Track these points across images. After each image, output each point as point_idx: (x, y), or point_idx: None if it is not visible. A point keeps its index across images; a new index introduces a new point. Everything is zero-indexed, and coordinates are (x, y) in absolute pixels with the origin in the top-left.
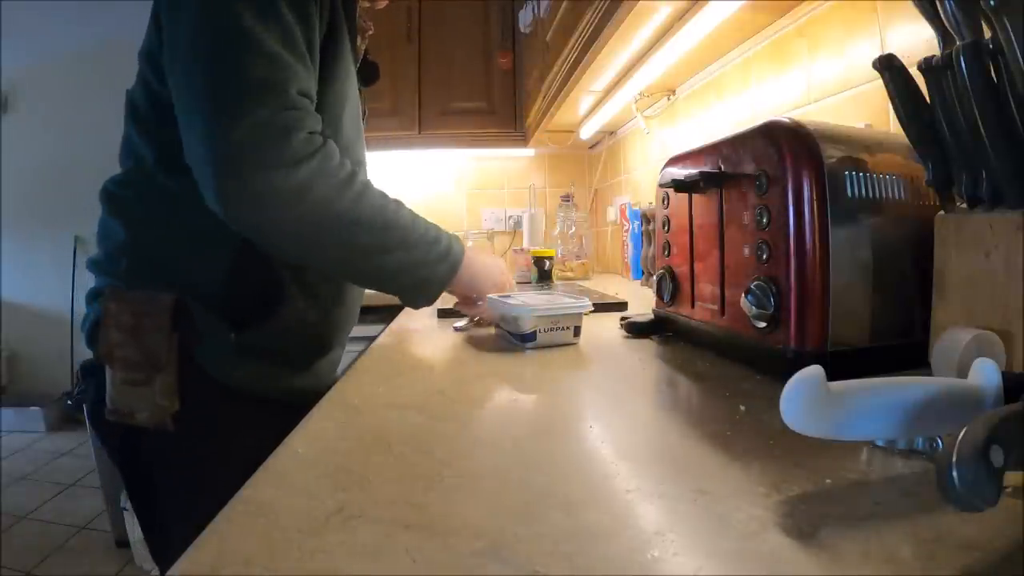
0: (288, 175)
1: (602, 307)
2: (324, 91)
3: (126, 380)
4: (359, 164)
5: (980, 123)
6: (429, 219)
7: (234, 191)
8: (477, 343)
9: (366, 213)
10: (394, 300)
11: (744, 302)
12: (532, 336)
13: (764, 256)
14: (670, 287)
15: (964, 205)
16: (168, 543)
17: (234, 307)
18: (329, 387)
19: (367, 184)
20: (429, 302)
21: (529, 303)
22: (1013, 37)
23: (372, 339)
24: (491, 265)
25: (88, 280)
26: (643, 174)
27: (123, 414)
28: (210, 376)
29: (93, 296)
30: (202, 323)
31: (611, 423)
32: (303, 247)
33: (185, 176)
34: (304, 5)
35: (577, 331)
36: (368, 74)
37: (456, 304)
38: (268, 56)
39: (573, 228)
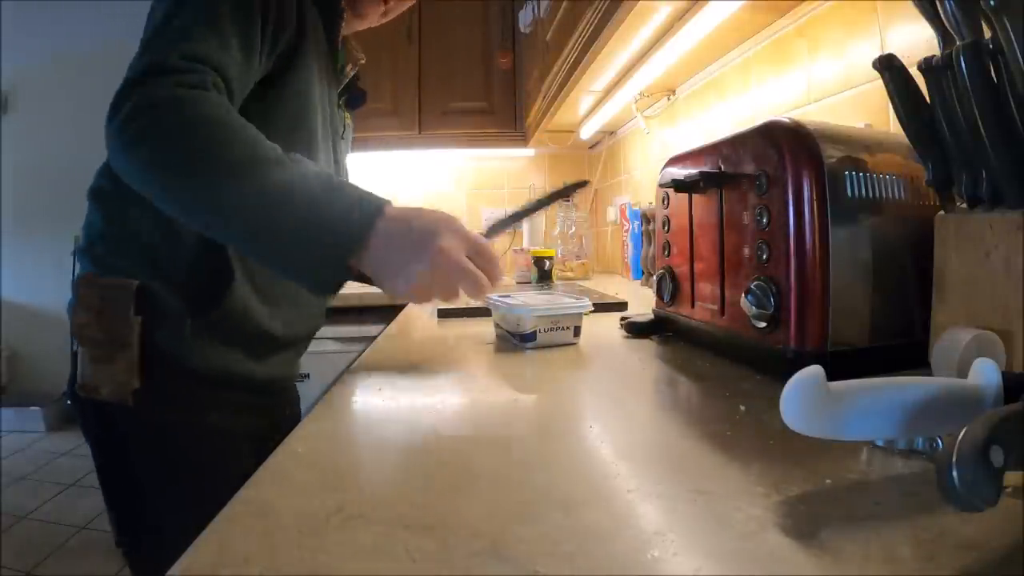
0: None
1: (602, 307)
2: (276, 97)
3: (93, 357)
4: None
5: (980, 123)
6: None
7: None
8: (477, 343)
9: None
10: (393, 300)
11: (744, 302)
12: (532, 336)
13: (764, 256)
14: (670, 287)
15: (964, 205)
16: (136, 518)
17: (190, 293)
18: (291, 378)
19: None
20: (325, 277)
21: (529, 303)
22: (1013, 37)
23: (372, 339)
24: (435, 221)
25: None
26: (643, 174)
27: (89, 388)
28: (169, 356)
29: (73, 282)
30: (163, 306)
31: (611, 423)
32: (161, 182)
33: None
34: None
35: (577, 331)
36: (354, 100)
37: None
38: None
39: (573, 228)
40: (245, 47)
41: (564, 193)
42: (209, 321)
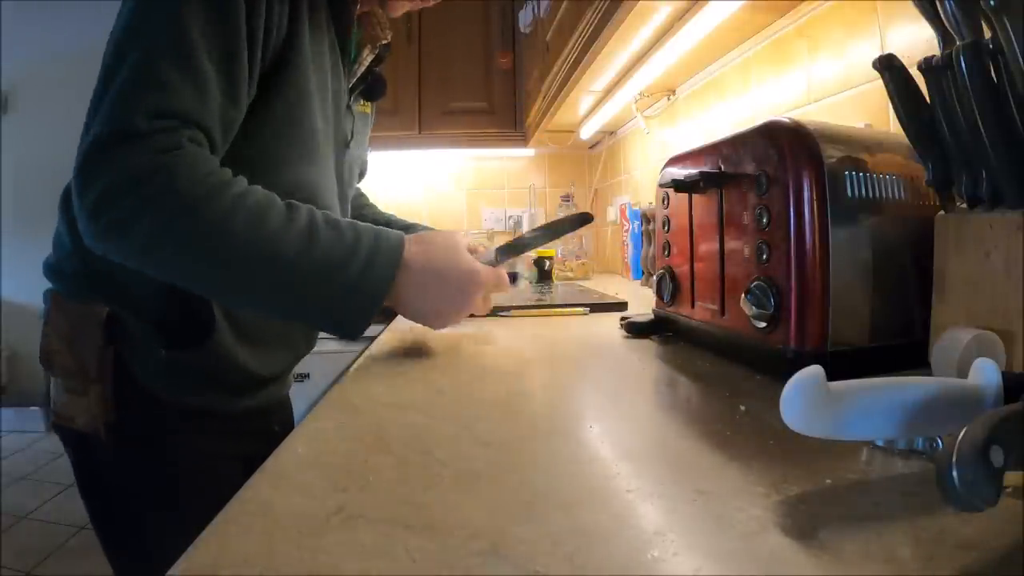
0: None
1: (602, 307)
2: (265, 97)
3: (66, 387)
4: (312, 198)
5: (980, 123)
6: (429, 219)
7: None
8: (478, 342)
9: (234, 242)
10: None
11: (744, 302)
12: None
13: (764, 256)
14: (670, 287)
15: (964, 205)
16: (121, 539)
17: (166, 325)
18: (280, 399)
19: (237, 200)
20: (356, 328)
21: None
22: (1013, 37)
23: (372, 339)
24: (448, 298)
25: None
26: (643, 174)
27: (64, 418)
28: (146, 389)
29: (44, 300)
30: (135, 336)
31: (611, 423)
32: (169, 273)
33: None
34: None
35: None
36: (372, 89)
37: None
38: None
39: None
40: (228, 84)
41: (571, 228)
42: (185, 359)
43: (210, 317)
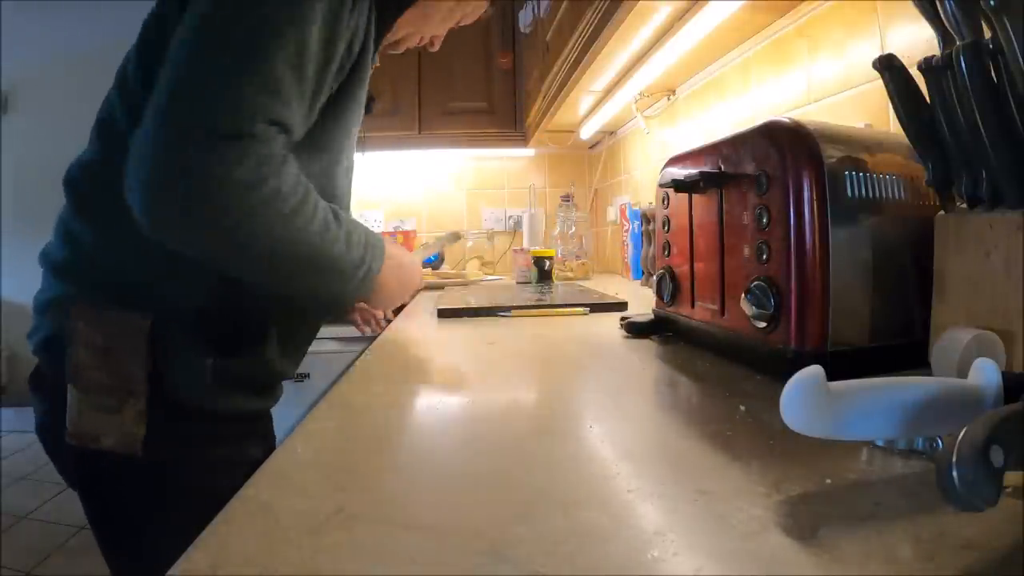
0: (230, 198)
1: (602, 307)
2: (333, 125)
3: (94, 405)
4: (337, 200)
5: (980, 123)
6: (429, 219)
7: (165, 209)
8: (478, 342)
9: (301, 249)
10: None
11: (744, 302)
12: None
13: (764, 256)
14: (670, 287)
15: (964, 205)
16: (134, 552)
17: (212, 333)
18: (271, 406)
19: (311, 215)
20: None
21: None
22: (1013, 37)
23: (372, 339)
24: (404, 283)
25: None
26: (643, 174)
27: (88, 438)
28: (179, 401)
29: (50, 305)
30: (177, 347)
31: (611, 423)
32: (224, 262)
33: None
34: (334, 37)
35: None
36: (368, 104)
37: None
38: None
39: (573, 228)
40: (317, 95)
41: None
42: (233, 363)
43: (264, 326)
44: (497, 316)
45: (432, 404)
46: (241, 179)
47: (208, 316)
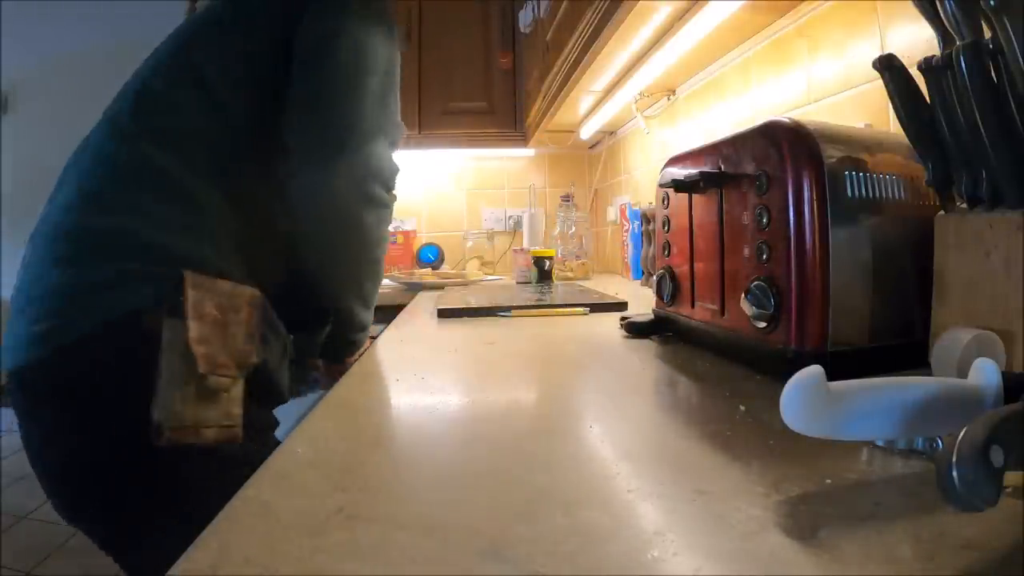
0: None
1: (602, 307)
2: None
3: (200, 390)
4: None
5: (980, 123)
6: (429, 219)
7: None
8: (479, 342)
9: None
10: (393, 300)
11: (744, 302)
12: None
13: (764, 256)
14: (670, 287)
15: (964, 205)
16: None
17: (290, 309)
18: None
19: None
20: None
21: None
22: (1013, 37)
23: (373, 339)
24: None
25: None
26: (643, 174)
27: (187, 432)
28: (264, 381)
29: (128, 277)
30: (274, 324)
31: (611, 423)
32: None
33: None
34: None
35: None
36: None
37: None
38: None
39: (573, 228)
40: None
41: None
42: (301, 340)
43: (328, 303)
44: (497, 316)
45: (432, 404)
46: (386, 201)
47: (287, 292)
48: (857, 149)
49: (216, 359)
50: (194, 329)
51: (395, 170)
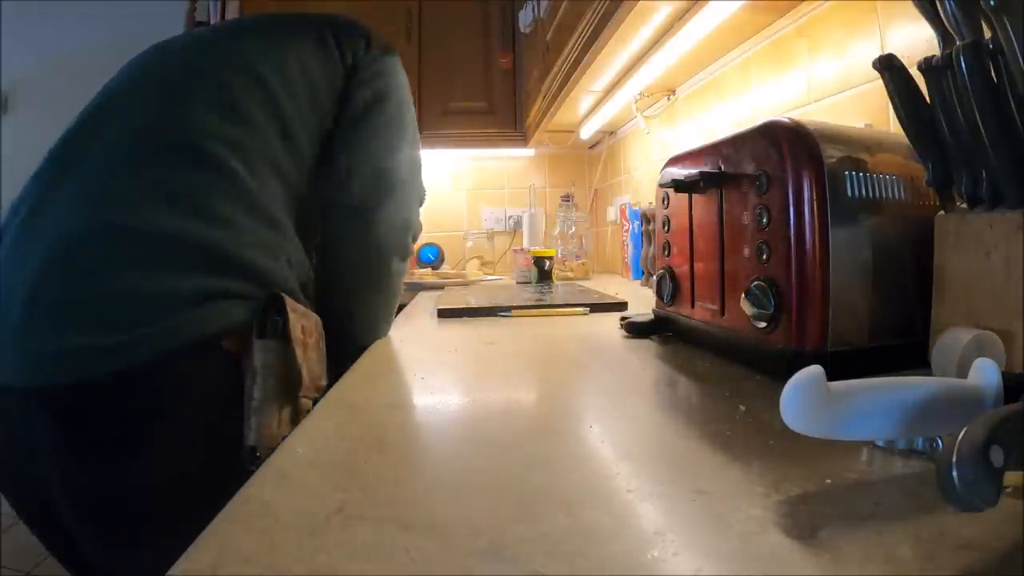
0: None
1: (602, 307)
2: None
3: (295, 410)
4: None
5: (980, 123)
6: (429, 219)
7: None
8: (477, 343)
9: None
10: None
11: (744, 302)
12: None
13: (764, 256)
14: (670, 287)
15: (964, 205)
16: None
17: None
18: None
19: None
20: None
21: None
22: (1013, 37)
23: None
24: None
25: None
26: (643, 174)
27: (271, 446)
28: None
29: (217, 294)
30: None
31: (611, 423)
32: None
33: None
34: None
35: None
36: None
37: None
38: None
39: (573, 228)
40: None
41: None
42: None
43: (352, 344)
44: (497, 316)
45: (432, 404)
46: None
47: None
48: (857, 149)
49: (318, 382)
50: (299, 352)
51: (421, 226)
